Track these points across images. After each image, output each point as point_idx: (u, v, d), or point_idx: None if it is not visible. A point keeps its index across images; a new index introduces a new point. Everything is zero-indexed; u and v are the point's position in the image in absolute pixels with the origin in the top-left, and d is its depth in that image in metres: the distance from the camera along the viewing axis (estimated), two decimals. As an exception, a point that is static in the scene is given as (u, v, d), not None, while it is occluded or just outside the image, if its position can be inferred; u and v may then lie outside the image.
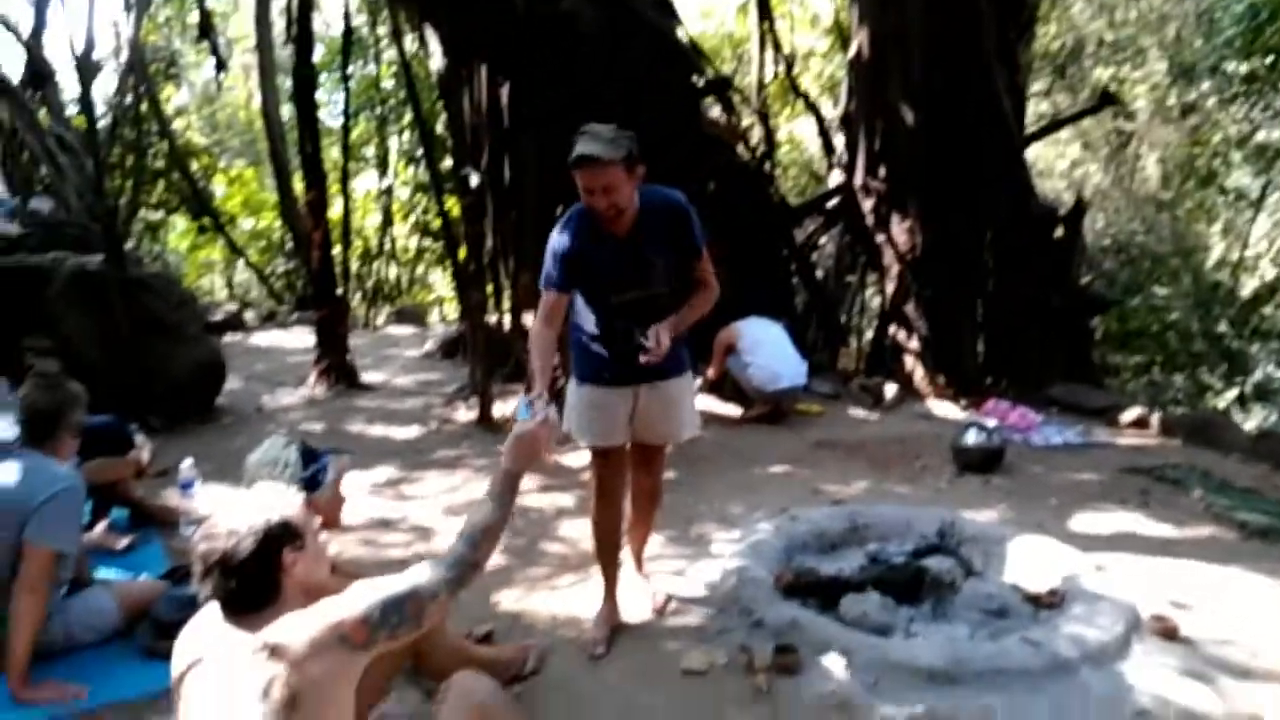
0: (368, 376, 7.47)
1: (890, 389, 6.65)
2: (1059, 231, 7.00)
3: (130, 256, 6.73)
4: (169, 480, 4.43)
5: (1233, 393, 9.14)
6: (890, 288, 7.09)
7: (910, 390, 6.76)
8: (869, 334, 9.11)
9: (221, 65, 8.68)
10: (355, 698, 1.72)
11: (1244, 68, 8.86)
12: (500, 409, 6.13)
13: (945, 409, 6.43)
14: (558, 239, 2.84)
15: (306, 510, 1.91)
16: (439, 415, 6.29)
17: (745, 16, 12.99)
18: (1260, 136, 10.82)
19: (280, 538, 1.75)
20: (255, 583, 1.72)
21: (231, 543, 1.71)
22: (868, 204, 7.22)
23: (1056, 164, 14.07)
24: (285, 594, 1.76)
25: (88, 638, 2.93)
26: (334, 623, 1.67)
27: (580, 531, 4.01)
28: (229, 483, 4.48)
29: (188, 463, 4.14)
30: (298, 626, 1.67)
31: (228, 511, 1.80)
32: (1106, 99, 7.71)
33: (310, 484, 2.52)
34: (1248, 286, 10.89)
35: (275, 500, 1.86)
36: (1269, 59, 8.26)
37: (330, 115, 13.58)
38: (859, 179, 7.29)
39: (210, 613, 1.79)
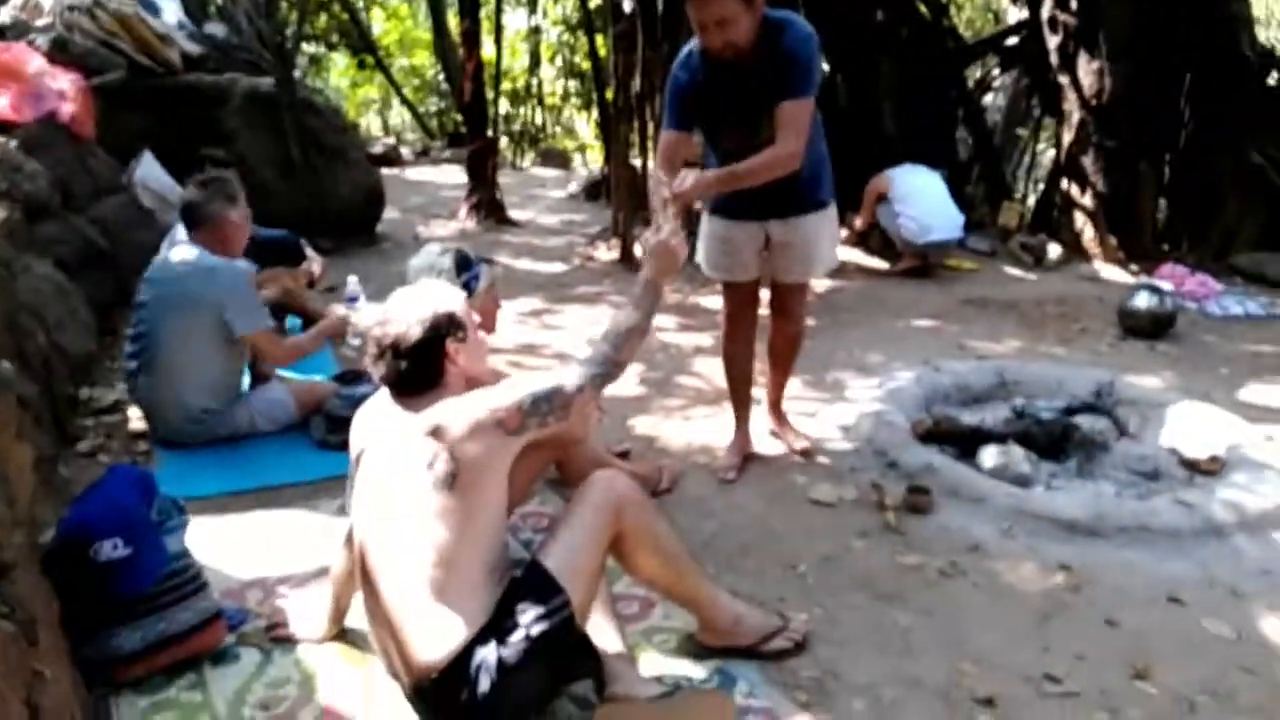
0: (514, 214, 7.63)
1: (1054, 249, 6.23)
2: (1273, 79, 6.18)
3: (299, 82, 6.97)
4: (337, 296, 4.73)
5: None
6: (1068, 137, 6.50)
7: (1077, 251, 6.31)
8: (1034, 195, 8.49)
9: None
10: (507, 484, 1.84)
11: None
12: (639, 249, 6.15)
13: (1114, 273, 5.99)
14: (674, 75, 2.74)
15: (467, 308, 2.01)
16: (582, 253, 6.38)
17: None
18: None
19: (446, 327, 1.86)
20: (423, 366, 1.84)
21: (403, 328, 1.82)
22: (1054, 40, 6.52)
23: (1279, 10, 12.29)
24: (448, 380, 1.88)
25: (268, 428, 3.25)
26: (491, 408, 1.78)
27: (715, 369, 4.03)
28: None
29: (354, 279, 4.38)
30: (459, 409, 1.79)
31: (401, 301, 1.91)
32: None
33: (466, 288, 2.64)
34: None
35: (441, 294, 1.96)
36: None
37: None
38: (1046, 10, 6.58)
39: (380, 400, 1.95)
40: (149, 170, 5.26)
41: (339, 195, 6.11)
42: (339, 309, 4.27)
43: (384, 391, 1.93)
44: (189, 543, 2.09)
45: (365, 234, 6.42)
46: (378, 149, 10.07)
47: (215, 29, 7.53)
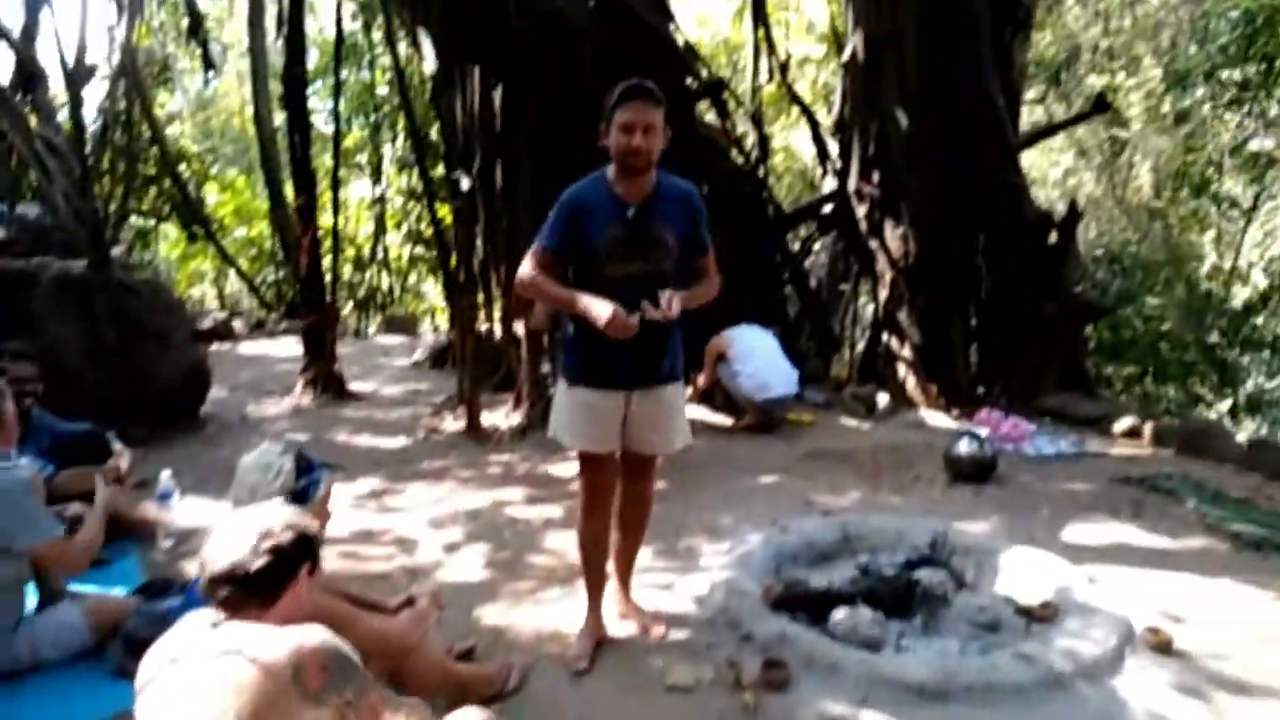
0: (355, 386, 7.40)
1: (882, 398, 6.59)
2: (1053, 238, 6.96)
3: (117, 262, 6.66)
4: (147, 491, 4.35)
5: (1225, 404, 9.09)
6: (883, 295, 7.04)
7: (903, 400, 6.70)
8: (862, 343, 9.07)
9: (210, 66, 8.62)
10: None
11: (1237, 75, 8.84)
12: (488, 419, 6.06)
13: (938, 418, 6.38)
14: (567, 194, 2.76)
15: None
16: (426, 425, 6.22)
17: (740, 23, 12.98)
18: (1253, 145, 10.81)
19: (295, 557, 1.74)
20: (259, 594, 1.70)
21: (242, 555, 1.68)
22: (861, 210, 7.18)
23: (1050, 172, 14.06)
24: (281, 607, 1.73)
25: (55, 656, 2.84)
26: (297, 660, 1.61)
27: (567, 544, 3.94)
28: (210, 495, 4.42)
29: (166, 474, 4.07)
30: (267, 644, 1.61)
31: (242, 524, 1.77)
32: (1101, 105, 7.67)
33: (301, 496, 2.45)
34: (1239, 296, 10.86)
35: (293, 517, 1.82)
36: (1262, 66, 8.25)
37: (324, 121, 13.56)
38: (853, 184, 7.25)
39: (190, 622, 1.74)
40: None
41: (158, 378, 5.75)
42: (150, 510, 3.92)
43: (200, 613, 1.74)
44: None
45: (187, 418, 6.02)
46: (207, 323, 9.67)
47: (29, 210, 7.18)
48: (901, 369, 6.82)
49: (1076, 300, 6.85)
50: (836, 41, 9.12)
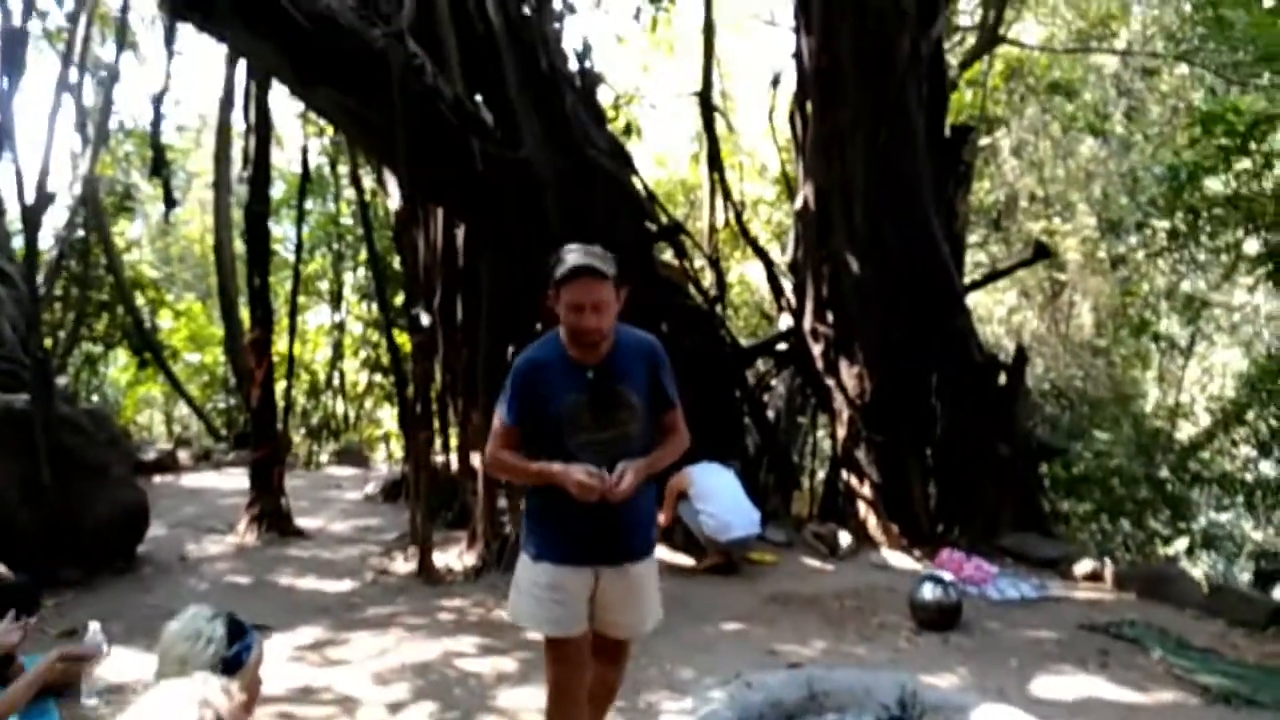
0: (303, 521, 7.15)
1: (844, 537, 6.53)
2: (1002, 379, 7.12)
3: (61, 393, 6.46)
4: (74, 642, 4.07)
5: (1182, 542, 9.17)
6: (841, 432, 7.09)
7: (865, 539, 6.65)
8: (821, 474, 9.06)
9: (172, 204, 8.67)
10: None
11: (1166, 224, 9.35)
12: (441, 559, 5.86)
13: (900, 559, 6.32)
14: (521, 361, 2.64)
15: (237, 702, 1.72)
16: (375, 566, 5.99)
17: (697, 165, 13.56)
18: (1185, 286, 11.33)
19: None
20: None
21: None
22: (817, 349, 7.30)
23: (995, 310, 14.56)
24: None
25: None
26: None
27: (521, 701, 3.75)
28: (141, 646, 4.14)
29: (95, 626, 3.80)
30: None
31: (158, 701, 1.63)
32: (1040, 252, 8.03)
33: (232, 664, 2.28)
34: (1184, 432, 11.14)
35: (210, 692, 1.67)
36: (1190, 216, 8.74)
37: (286, 249, 13.65)
38: (808, 323, 7.40)
39: None
40: None
41: (94, 517, 5.48)
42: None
43: None
44: None
45: (123, 558, 5.72)
46: (151, 455, 9.36)
47: (-29, 337, 6.99)
48: (862, 507, 6.79)
49: (1030, 441, 6.96)
50: (788, 185, 9.51)
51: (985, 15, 10.33)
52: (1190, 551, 9.16)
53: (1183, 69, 11.94)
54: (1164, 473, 9.82)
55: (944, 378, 6.97)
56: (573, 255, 2.50)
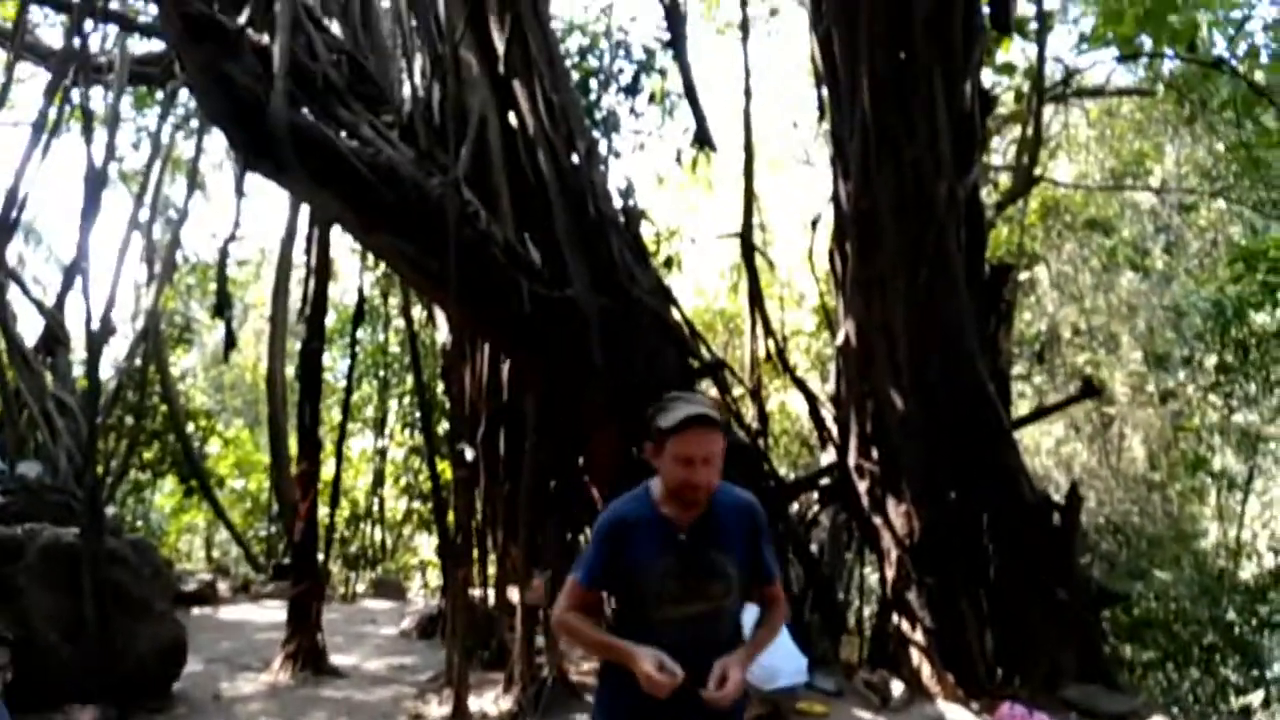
0: (338, 658, 7.03)
1: (897, 687, 6.23)
2: (1056, 519, 6.90)
3: (109, 524, 6.55)
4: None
5: (1257, 695, 8.61)
6: (890, 573, 6.86)
7: (918, 688, 6.33)
8: (868, 612, 8.73)
9: (232, 345, 8.98)
10: None
11: (1214, 359, 9.24)
12: (476, 703, 5.69)
13: (957, 712, 5.98)
14: (607, 516, 2.36)
15: None
16: (409, 711, 5.82)
17: (735, 295, 13.80)
18: (1238, 419, 11.07)
19: None
20: None
21: None
22: (862, 485, 7.17)
23: (1043, 441, 14.29)
24: None
25: None
26: None
27: None
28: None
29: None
30: None
31: None
32: (1088, 389, 7.93)
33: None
34: (1247, 571, 10.64)
35: None
36: (1239, 352, 8.64)
37: (335, 376, 13.95)
38: (852, 459, 7.30)
39: None
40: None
41: (133, 654, 5.47)
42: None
43: None
44: None
45: (158, 696, 5.65)
46: (192, 586, 9.36)
47: (29, 468, 7.19)
48: (915, 654, 6.49)
49: (1089, 586, 6.69)
50: (827, 317, 9.56)
51: (1020, 157, 10.59)
52: (1266, 704, 8.58)
53: (1220, 204, 12.06)
54: (1230, 615, 9.34)
55: (995, 517, 6.77)
56: (682, 404, 2.31)
